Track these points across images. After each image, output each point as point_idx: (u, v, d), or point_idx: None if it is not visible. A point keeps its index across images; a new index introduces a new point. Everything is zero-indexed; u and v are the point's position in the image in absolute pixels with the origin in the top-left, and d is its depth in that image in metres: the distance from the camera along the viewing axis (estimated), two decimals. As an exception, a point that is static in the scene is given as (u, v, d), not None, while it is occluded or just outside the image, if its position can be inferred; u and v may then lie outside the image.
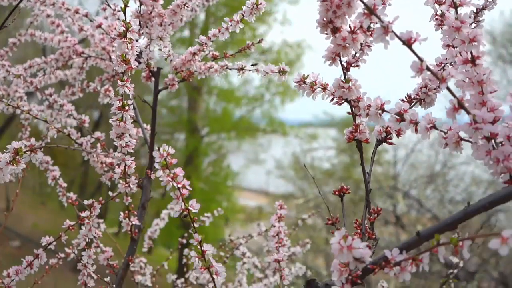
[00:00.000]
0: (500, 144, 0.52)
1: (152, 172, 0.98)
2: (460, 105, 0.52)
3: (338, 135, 11.09)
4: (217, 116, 11.44)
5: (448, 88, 0.52)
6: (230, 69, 0.97)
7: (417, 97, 0.70)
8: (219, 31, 0.91)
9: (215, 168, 11.71)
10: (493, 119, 0.54)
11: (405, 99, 0.71)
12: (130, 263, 1.01)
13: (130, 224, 0.98)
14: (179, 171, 0.64)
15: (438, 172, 6.60)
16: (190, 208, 0.64)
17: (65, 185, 1.12)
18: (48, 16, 1.22)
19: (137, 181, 0.92)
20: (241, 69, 0.95)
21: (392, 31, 0.51)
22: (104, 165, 1.02)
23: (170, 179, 0.63)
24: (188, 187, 0.64)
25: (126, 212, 0.98)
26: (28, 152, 0.68)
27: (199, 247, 0.66)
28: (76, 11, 1.12)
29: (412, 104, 0.71)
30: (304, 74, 0.67)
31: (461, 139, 0.56)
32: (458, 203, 6.18)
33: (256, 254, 2.19)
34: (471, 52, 0.54)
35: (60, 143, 1.08)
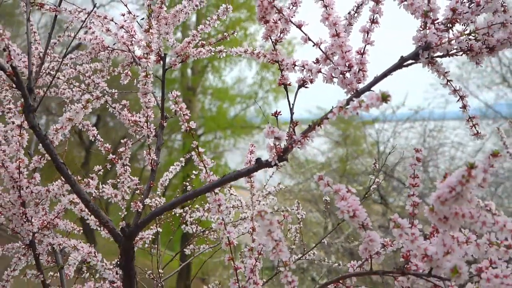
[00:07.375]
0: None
1: (165, 121, 1.46)
2: (327, 57, 1.01)
3: (332, 129, 11.58)
4: (212, 115, 11.93)
5: (321, 50, 1.01)
6: (213, 52, 1.46)
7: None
8: (205, 26, 1.41)
9: (213, 166, 12.15)
10: (348, 65, 1.03)
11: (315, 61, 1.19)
12: (151, 186, 1.49)
13: (151, 158, 1.47)
14: (184, 105, 1.12)
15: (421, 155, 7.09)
16: (191, 126, 1.13)
17: (102, 140, 1.60)
18: (82, 21, 1.70)
19: (155, 127, 1.41)
20: (220, 51, 1.44)
21: (290, 20, 0.99)
22: (130, 122, 1.50)
23: (178, 109, 1.11)
24: (189, 114, 1.12)
25: (148, 150, 1.46)
26: (95, 100, 1.16)
27: (197, 150, 1.15)
28: (105, 17, 1.60)
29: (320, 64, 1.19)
30: (254, 47, 1.15)
31: (333, 76, 1.04)
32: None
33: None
34: (335, 29, 1.03)
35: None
